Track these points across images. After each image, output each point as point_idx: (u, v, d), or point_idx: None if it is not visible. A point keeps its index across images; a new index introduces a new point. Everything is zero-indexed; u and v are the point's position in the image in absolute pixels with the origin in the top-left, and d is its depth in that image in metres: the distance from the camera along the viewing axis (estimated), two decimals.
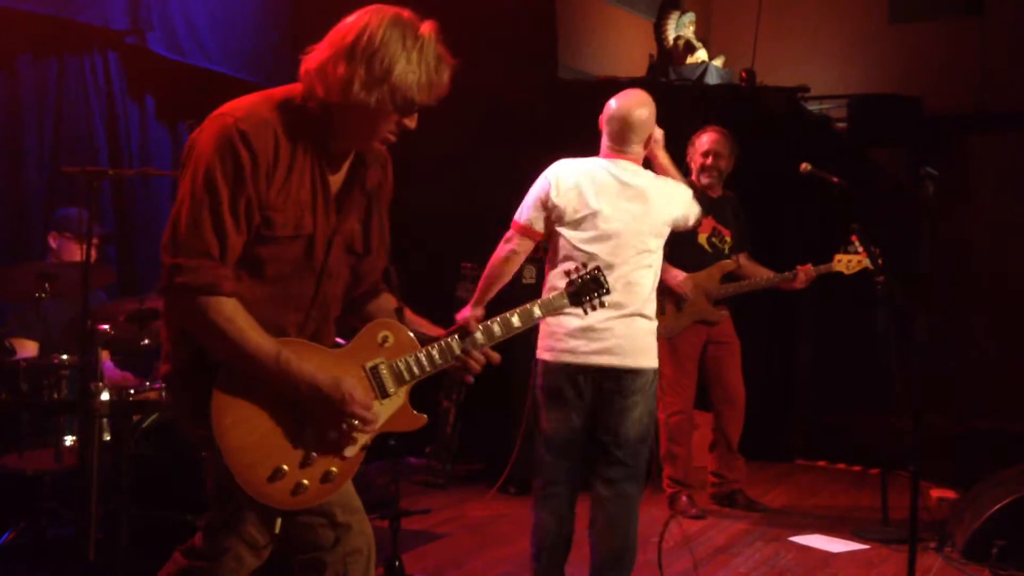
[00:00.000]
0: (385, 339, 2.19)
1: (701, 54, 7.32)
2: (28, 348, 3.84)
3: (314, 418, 2.07)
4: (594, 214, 3.23)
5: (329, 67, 1.99)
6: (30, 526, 3.62)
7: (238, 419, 2.00)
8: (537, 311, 2.41)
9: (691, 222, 3.44)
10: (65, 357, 3.55)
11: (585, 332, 3.19)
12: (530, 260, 5.46)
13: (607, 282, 2.51)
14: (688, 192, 3.42)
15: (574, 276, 2.50)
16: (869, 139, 7.03)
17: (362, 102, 1.98)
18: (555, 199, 3.26)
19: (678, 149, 5.30)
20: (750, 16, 7.44)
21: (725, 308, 4.96)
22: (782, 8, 7.79)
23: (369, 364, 2.16)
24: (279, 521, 2.12)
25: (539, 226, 3.31)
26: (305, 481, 2.06)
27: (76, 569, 3.25)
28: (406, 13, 2.03)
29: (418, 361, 2.20)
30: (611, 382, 3.20)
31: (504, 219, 5.84)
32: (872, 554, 4.24)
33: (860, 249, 4.52)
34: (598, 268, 2.51)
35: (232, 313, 1.97)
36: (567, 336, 3.22)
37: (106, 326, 3.40)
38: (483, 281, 3.35)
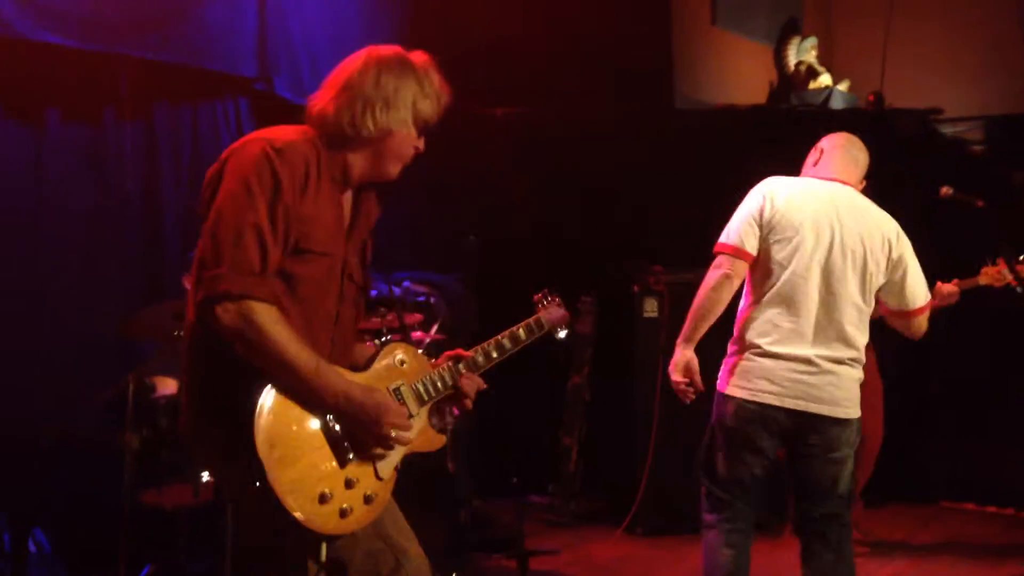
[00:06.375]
0: (403, 361, 2.24)
1: (824, 79, 7.13)
2: (169, 385, 3.94)
3: (351, 437, 2.06)
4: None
5: (343, 102, 2.12)
6: (169, 561, 3.70)
7: (286, 451, 1.97)
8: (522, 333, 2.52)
9: None
10: None
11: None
12: (651, 293, 5.43)
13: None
14: None
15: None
16: (1010, 161, 6.67)
17: (385, 128, 2.12)
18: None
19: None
20: (876, 37, 7.20)
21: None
22: (910, 27, 7.49)
23: (392, 386, 2.18)
24: (324, 547, 2.09)
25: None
26: (350, 504, 2.04)
27: None
28: (396, 48, 2.20)
29: (433, 382, 2.25)
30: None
31: (631, 251, 5.77)
32: None
33: (1008, 272, 4.28)
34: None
35: (276, 319, 1.98)
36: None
37: None
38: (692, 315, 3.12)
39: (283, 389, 2.00)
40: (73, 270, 4.42)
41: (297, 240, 2.05)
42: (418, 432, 2.20)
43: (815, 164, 3.28)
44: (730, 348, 3.14)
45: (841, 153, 3.27)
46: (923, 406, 6.04)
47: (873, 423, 4.74)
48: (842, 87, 7.09)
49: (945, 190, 4.41)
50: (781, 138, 6.25)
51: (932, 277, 4.73)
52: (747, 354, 3.04)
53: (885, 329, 4.86)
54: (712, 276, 3.07)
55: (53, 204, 4.36)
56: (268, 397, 1.98)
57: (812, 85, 7.12)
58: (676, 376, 3.09)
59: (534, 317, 2.57)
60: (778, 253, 3.03)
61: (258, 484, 1.95)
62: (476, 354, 2.36)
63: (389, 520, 2.18)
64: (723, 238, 3.12)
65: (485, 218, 5.70)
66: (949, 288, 4.51)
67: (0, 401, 4.12)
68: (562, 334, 2.68)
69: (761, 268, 3.06)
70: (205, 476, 3.59)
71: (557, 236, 6.03)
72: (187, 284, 4.15)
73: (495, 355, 2.40)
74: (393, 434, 2.07)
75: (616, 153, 6.06)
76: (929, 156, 6.23)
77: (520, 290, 5.89)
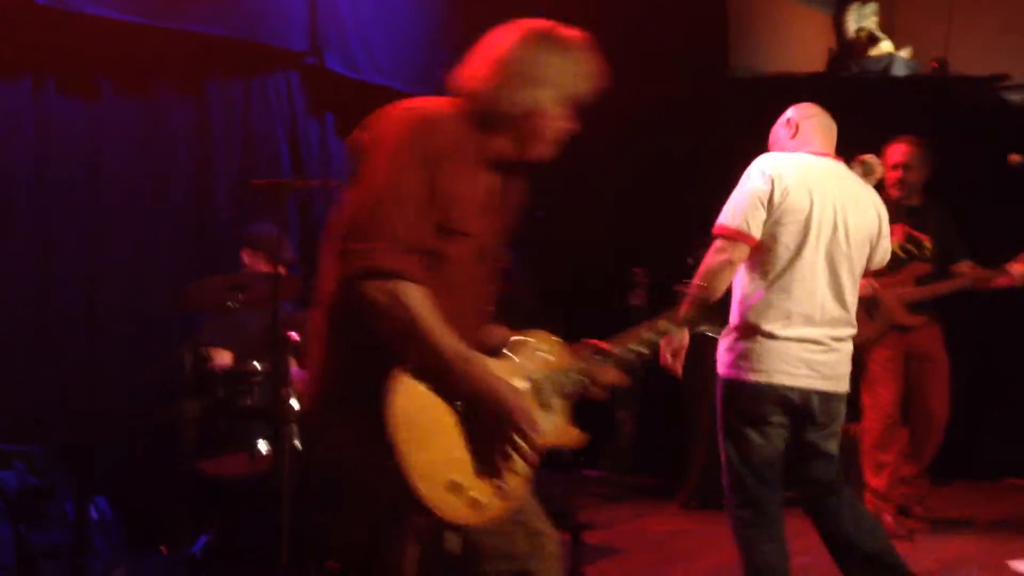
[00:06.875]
0: (546, 351, 2.15)
1: (886, 45, 6.94)
2: (222, 356, 3.97)
3: (489, 429, 1.97)
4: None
5: (496, 78, 2.02)
6: (227, 530, 3.73)
7: (419, 434, 1.89)
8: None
9: None
10: (257, 365, 3.66)
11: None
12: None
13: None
14: None
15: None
16: None
17: (539, 107, 2.02)
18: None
19: (863, 146, 5.02)
20: (939, 2, 6.98)
21: (925, 316, 4.61)
22: None
23: (534, 376, 2.10)
24: (459, 539, 2.02)
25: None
26: (482, 496, 1.96)
27: (270, 573, 3.32)
28: (550, 24, 2.08)
29: (576, 375, 2.16)
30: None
31: (687, 224, 5.67)
32: None
33: None
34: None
35: (425, 301, 1.89)
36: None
37: (294, 334, 3.48)
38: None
39: (422, 372, 1.91)
40: (127, 242, 4.46)
41: (445, 219, 1.96)
42: (556, 425, 2.13)
43: (793, 138, 3.16)
44: (734, 333, 3.03)
45: (819, 125, 3.15)
46: (988, 383, 5.88)
47: (940, 399, 4.61)
48: (904, 54, 6.89)
49: (1014, 157, 4.27)
50: (841, 107, 6.04)
51: (997, 247, 4.61)
52: (757, 338, 2.95)
53: (951, 306, 4.74)
54: (713, 261, 2.96)
55: (108, 177, 4.40)
56: (406, 379, 1.90)
57: (873, 52, 6.94)
58: (667, 358, 3.04)
59: (687, 311, 2.52)
60: (786, 236, 2.94)
61: (389, 463, 1.87)
62: (623, 350, 2.26)
63: (524, 502, 2.09)
64: (725, 220, 2.98)
65: (538, 193, 5.65)
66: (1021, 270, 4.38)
67: (60, 372, 4.20)
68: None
69: (765, 251, 2.96)
70: (262, 446, 3.61)
71: (606, 208, 5.97)
72: (246, 259, 4.19)
73: (646, 352, 2.31)
74: (517, 439, 1.97)
75: (670, 122, 5.97)
76: (995, 123, 6.04)
77: (577, 265, 5.89)
